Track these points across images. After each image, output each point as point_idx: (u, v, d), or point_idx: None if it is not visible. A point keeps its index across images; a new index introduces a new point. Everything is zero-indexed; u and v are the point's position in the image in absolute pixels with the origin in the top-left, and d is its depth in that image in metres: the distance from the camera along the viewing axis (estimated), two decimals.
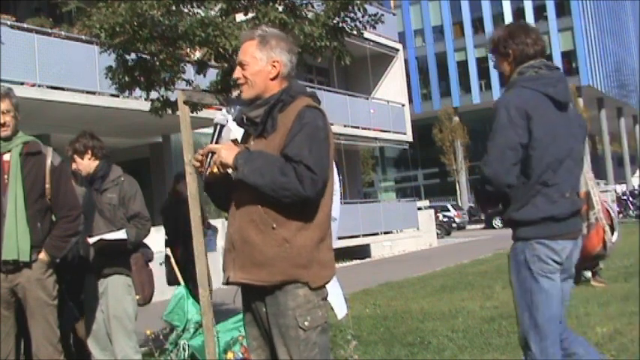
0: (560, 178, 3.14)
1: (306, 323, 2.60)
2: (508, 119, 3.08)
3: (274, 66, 2.71)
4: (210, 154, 2.67)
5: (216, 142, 2.74)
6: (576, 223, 3.23)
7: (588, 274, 9.30)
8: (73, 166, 4.69)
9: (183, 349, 5.73)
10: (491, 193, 3.14)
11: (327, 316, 2.70)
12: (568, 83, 3.29)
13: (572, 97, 3.24)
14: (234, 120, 2.80)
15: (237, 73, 2.76)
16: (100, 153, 4.70)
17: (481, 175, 3.12)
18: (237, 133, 2.99)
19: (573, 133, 3.24)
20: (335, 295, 4.62)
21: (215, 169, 2.67)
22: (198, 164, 2.74)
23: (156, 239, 4.83)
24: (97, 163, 4.67)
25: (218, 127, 2.78)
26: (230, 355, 5.37)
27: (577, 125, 3.28)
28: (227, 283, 2.71)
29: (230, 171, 2.64)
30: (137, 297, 4.61)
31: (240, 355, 5.33)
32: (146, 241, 4.79)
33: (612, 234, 3.50)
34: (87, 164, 4.66)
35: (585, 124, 3.38)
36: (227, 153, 2.61)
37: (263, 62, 2.71)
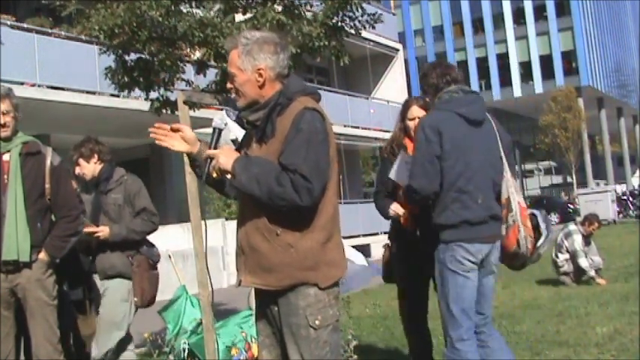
0: (474, 186, 3.59)
1: (316, 322, 2.63)
2: (424, 137, 3.60)
3: (260, 74, 2.68)
4: (209, 160, 2.69)
5: (215, 147, 2.73)
6: (492, 228, 3.65)
7: (592, 272, 9.33)
8: (77, 169, 4.71)
9: (183, 349, 5.74)
10: (419, 201, 3.67)
11: (338, 314, 2.71)
12: (483, 103, 3.84)
13: (487, 114, 3.83)
14: (234, 121, 2.81)
15: (229, 84, 2.76)
16: (105, 157, 4.74)
17: (409, 189, 3.64)
18: (238, 132, 3.00)
19: (488, 146, 3.71)
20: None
21: (214, 174, 2.70)
22: (156, 136, 2.75)
23: (157, 238, 4.81)
24: (101, 166, 4.70)
25: (216, 131, 2.77)
26: (234, 351, 5.39)
27: (494, 139, 3.75)
28: (239, 285, 2.78)
29: (229, 176, 2.66)
30: (135, 299, 4.60)
31: (244, 352, 5.35)
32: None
33: (539, 239, 3.84)
34: (92, 168, 4.70)
35: (507, 136, 3.86)
36: (225, 159, 2.62)
37: (248, 72, 2.68)
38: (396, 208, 4.23)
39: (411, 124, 4.24)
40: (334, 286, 2.69)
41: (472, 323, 3.65)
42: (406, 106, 4.37)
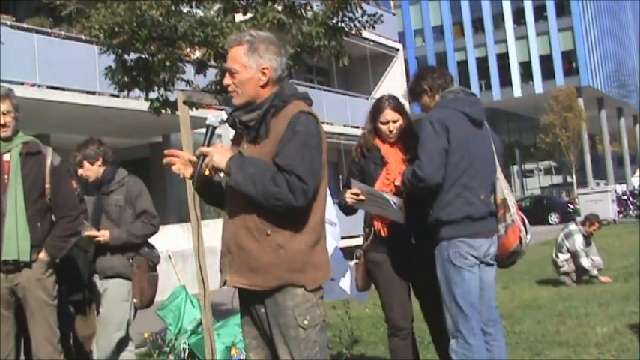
0: (477, 183, 3.69)
1: (305, 322, 2.62)
2: (433, 130, 3.66)
3: (264, 73, 2.67)
4: (202, 157, 2.65)
5: (208, 145, 2.71)
6: (491, 224, 3.76)
7: (594, 271, 9.34)
8: (80, 171, 4.69)
9: (183, 349, 5.74)
10: (422, 189, 3.66)
11: (324, 314, 2.72)
12: (482, 106, 3.94)
13: (485, 117, 3.95)
14: (225, 122, 2.77)
15: (227, 80, 2.72)
16: (110, 159, 4.74)
17: (415, 176, 3.63)
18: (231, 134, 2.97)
19: (487, 146, 3.82)
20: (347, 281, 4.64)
21: (207, 172, 2.66)
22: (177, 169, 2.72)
23: (157, 238, 4.82)
24: (104, 168, 4.70)
25: (210, 128, 2.73)
26: (234, 351, 5.38)
27: (491, 141, 3.87)
28: (224, 285, 2.74)
29: (222, 174, 2.63)
30: (134, 300, 4.60)
31: (244, 352, 5.35)
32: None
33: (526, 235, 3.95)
34: (96, 170, 4.69)
35: (500, 140, 3.98)
36: (220, 157, 2.59)
37: (253, 70, 2.66)
38: (347, 194, 3.91)
39: (384, 127, 4.04)
40: (320, 288, 2.69)
41: (479, 317, 3.71)
42: (379, 108, 4.09)
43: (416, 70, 4.16)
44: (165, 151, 2.78)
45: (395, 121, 4.04)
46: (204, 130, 2.77)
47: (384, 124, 4.05)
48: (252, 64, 2.66)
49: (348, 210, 4.08)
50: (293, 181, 2.50)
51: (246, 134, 2.71)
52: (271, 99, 2.66)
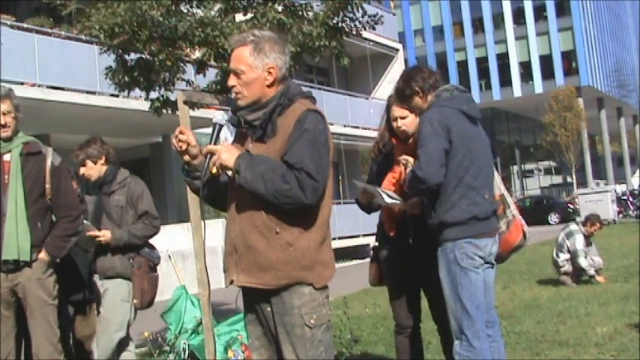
0: (480, 182, 3.63)
1: (312, 321, 2.61)
2: (432, 130, 3.56)
3: (270, 72, 2.65)
4: (209, 156, 2.63)
5: (215, 143, 2.68)
6: (494, 223, 3.72)
7: (592, 271, 9.34)
8: (82, 170, 4.69)
9: (183, 349, 5.74)
10: (423, 190, 3.60)
11: (330, 314, 2.70)
12: (476, 103, 3.87)
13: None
14: (228, 121, 2.75)
15: (232, 81, 2.69)
16: (112, 158, 4.74)
17: (415, 177, 3.55)
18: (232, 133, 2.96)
19: (485, 144, 3.78)
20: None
21: (214, 171, 2.63)
22: (179, 146, 2.68)
23: (157, 238, 4.82)
24: (106, 167, 4.70)
25: (217, 127, 2.71)
26: (231, 353, 5.38)
27: (486, 138, 3.83)
28: (230, 284, 2.72)
29: (230, 173, 2.61)
30: (135, 301, 4.60)
31: (241, 354, 5.34)
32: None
33: None
34: (99, 169, 4.68)
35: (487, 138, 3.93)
36: (228, 155, 2.57)
37: (259, 70, 2.64)
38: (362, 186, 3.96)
39: (394, 124, 4.02)
40: (326, 287, 2.69)
41: (484, 319, 3.66)
42: (388, 104, 4.10)
43: (402, 72, 4.02)
44: (176, 131, 2.70)
45: (403, 117, 3.97)
46: (202, 130, 2.75)
47: (393, 120, 4.02)
48: (258, 64, 2.64)
49: (365, 208, 4.14)
50: (303, 179, 2.49)
51: (252, 133, 2.69)
52: (278, 97, 2.65)
